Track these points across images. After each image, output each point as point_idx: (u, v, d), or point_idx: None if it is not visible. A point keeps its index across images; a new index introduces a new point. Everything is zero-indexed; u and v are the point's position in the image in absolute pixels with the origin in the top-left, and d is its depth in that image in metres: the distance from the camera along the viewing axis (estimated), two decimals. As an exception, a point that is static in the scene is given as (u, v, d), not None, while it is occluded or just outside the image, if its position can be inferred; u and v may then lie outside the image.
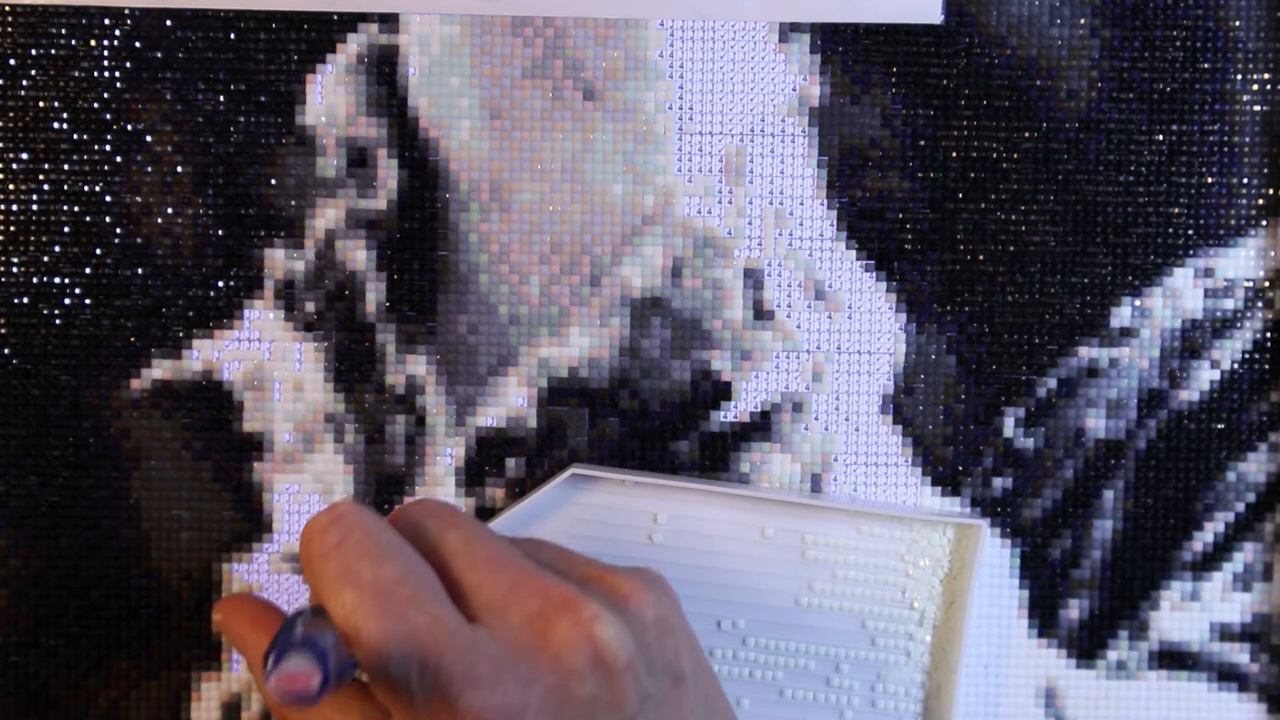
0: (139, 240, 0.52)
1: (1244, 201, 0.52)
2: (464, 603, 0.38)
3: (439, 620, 0.36)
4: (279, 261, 0.52)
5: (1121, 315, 0.53)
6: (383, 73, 0.52)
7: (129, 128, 0.52)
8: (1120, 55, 0.52)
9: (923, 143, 0.52)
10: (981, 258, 0.52)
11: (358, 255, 0.52)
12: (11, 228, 0.52)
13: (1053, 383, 0.53)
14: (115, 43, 0.52)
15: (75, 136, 0.52)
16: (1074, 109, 0.52)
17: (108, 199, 0.52)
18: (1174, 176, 0.52)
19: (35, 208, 0.52)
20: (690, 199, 0.52)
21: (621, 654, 0.37)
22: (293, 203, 0.52)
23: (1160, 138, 0.52)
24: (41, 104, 0.52)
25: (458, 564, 0.38)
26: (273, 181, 0.52)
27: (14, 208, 0.52)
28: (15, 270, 0.52)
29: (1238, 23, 0.52)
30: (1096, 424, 0.53)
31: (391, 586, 0.37)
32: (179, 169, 0.52)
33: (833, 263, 0.53)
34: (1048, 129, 0.52)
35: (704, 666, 0.42)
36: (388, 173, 0.52)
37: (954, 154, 0.52)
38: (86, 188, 0.52)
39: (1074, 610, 0.53)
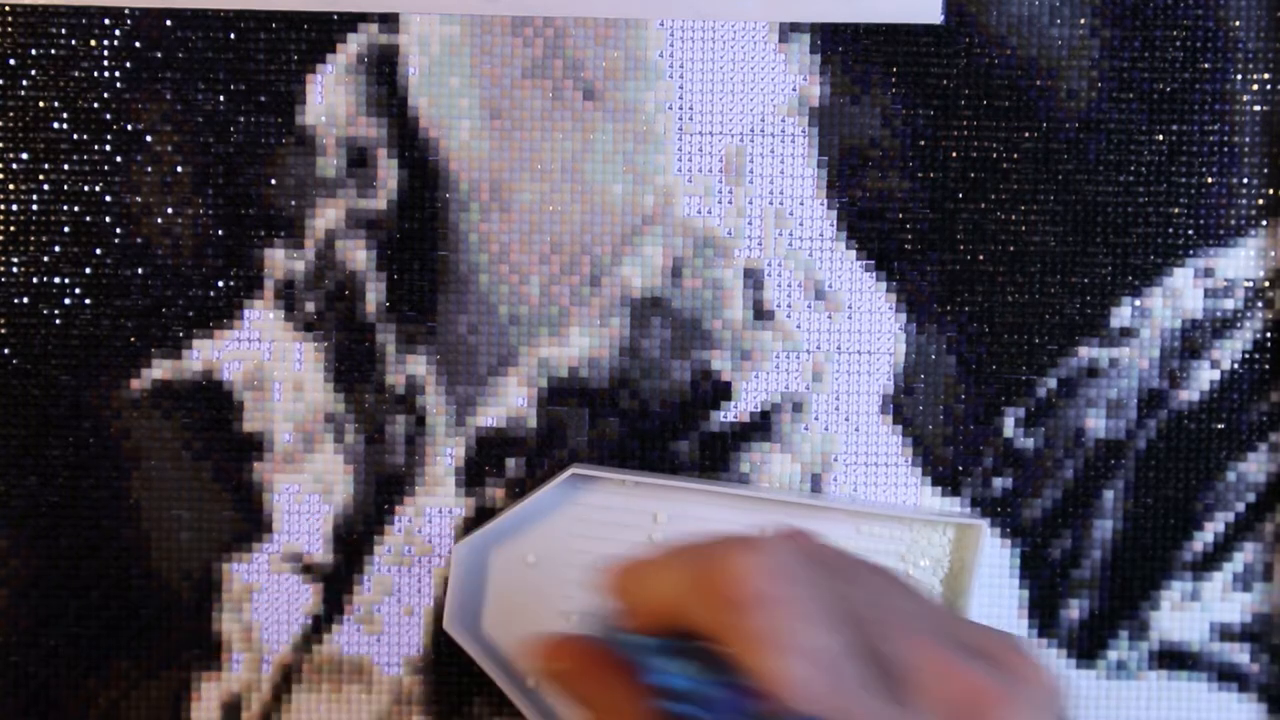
0: (139, 240, 0.52)
1: (1244, 201, 0.52)
2: (884, 675, 0.35)
3: (875, 707, 0.34)
4: (279, 261, 0.52)
5: (1121, 315, 0.53)
6: (383, 73, 0.52)
7: (129, 128, 0.52)
8: (1120, 55, 0.52)
9: (923, 143, 0.52)
10: (981, 258, 0.52)
11: (358, 255, 0.52)
12: (11, 228, 0.52)
13: (1053, 383, 0.53)
14: (115, 43, 0.52)
15: (75, 136, 0.52)
16: (1074, 109, 0.52)
17: (108, 199, 0.52)
18: (1174, 176, 0.52)
19: (35, 208, 0.52)
20: (690, 199, 0.52)
21: None
22: (293, 203, 0.52)
23: (1160, 138, 0.52)
24: (41, 104, 0.52)
25: (880, 632, 0.36)
26: (273, 181, 0.52)
27: (14, 208, 0.52)
28: (15, 270, 0.52)
29: (1238, 23, 0.52)
30: (1096, 424, 0.53)
31: (834, 659, 0.34)
32: (179, 169, 0.52)
33: (833, 263, 0.53)
34: (1048, 129, 0.52)
35: None
36: (388, 173, 0.52)
37: (954, 154, 0.52)
38: (86, 188, 0.52)
39: (1074, 610, 0.53)
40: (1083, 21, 0.52)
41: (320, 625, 0.53)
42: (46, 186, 0.52)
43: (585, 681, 0.37)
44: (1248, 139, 0.52)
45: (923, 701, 0.35)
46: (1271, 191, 0.52)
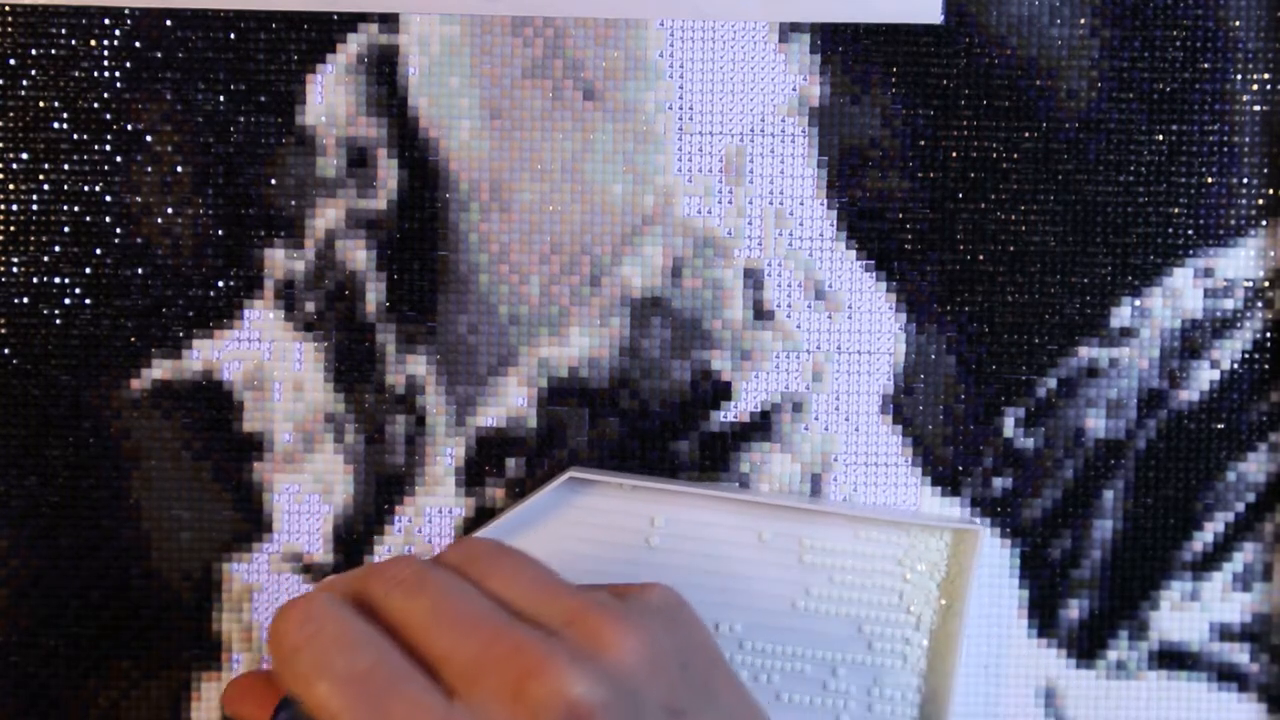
0: (139, 240, 0.52)
1: (1244, 201, 0.52)
2: (439, 675, 0.38)
3: (415, 703, 0.36)
4: (279, 261, 0.52)
5: (1121, 315, 0.53)
6: (383, 73, 0.52)
7: (129, 128, 0.52)
8: (1120, 55, 0.52)
9: (923, 143, 0.52)
10: (981, 258, 0.52)
11: (358, 255, 0.52)
12: (11, 228, 0.52)
13: (1053, 383, 0.53)
14: (115, 43, 0.52)
15: (75, 136, 0.52)
16: (1074, 109, 0.52)
17: (108, 199, 0.52)
18: (1174, 176, 0.52)
19: (35, 208, 0.52)
20: (690, 199, 0.52)
21: (598, 710, 0.36)
22: (293, 203, 0.52)
23: (1160, 138, 0.52)
24: (41, 104, 0.52)
25: (428, 635, 0.38)
26: (273, 181, 0.52)
27: (14, 208, 0.52)
28: (15, 270, 0.52)
29: (1238, 23, 0.52)
30: (1096, 424, 0.53)
31: (365, 675, 0.37)
32: (179, 169, 0.52)
33: (833, 263, 0.53)
34: (1048, 129, 0.52)
35: (721, 687, 0.41)
36: (388, 173, 0.52)
37: (954, 154, 0.52)
38: (86, 188, 0.52)
39: (1074, 610, 0.53)
40: (1083, 21, 0.52)
41: (320, 625, 0.53)
42: (46, 186, 0.52)
43: (238, 714, 0.45)
44: (1248, 139, 0.52)
45: (476, 687, 0.37)
46: (1271, 191, 0.52)
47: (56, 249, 0.52)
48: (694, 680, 0.40)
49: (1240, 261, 0.53)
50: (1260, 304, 0.53)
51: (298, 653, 0.37)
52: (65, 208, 0.52)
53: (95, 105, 0.52)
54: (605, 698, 0.37)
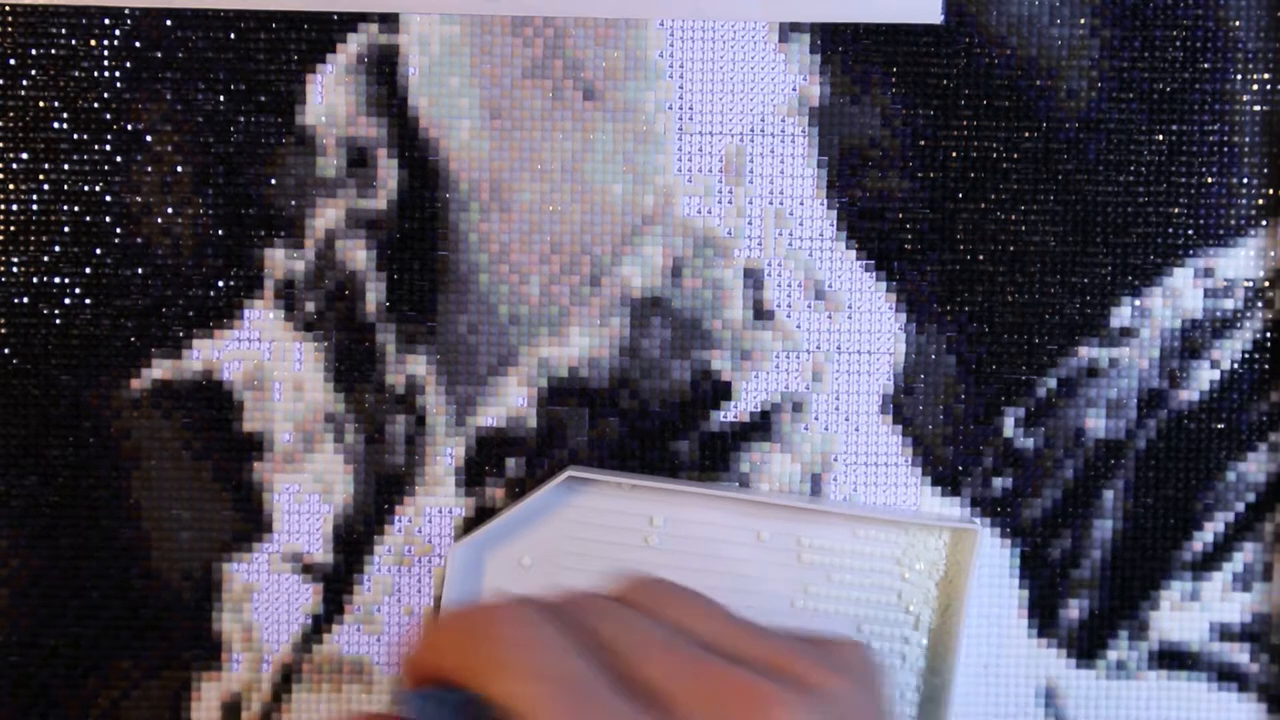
0: (139, 240, 0.52)
1: (1244, 201, 0.52)
2: (640, 694, 0.37)
3: (616, 714, 0.36)
4: (279, 261, 0.52)
5: (1121, 315, 0.53)
6: (383, 73, 0.52)
7: (129, 128, 0.52)
8: (1120, 55, 0.52)
9: (923, 143, 0.52)
10: (981, 258, 0.52)
11: (358, 255, 0.52)
12: (11, 228, 0.52)
13: (1053, 383, 0.53)
14: (115, 43, 0.52)
15: (75, 136, 0.52)
16: (1074, 109, 0.52)
17: (108, 199, 0.52)
18: (1174, 176, 0.52)
19: (35, 208, 0.52)
20: (690, 199, 0.52)
21: None
22: (293, 203, 0.52)
23: (1160, 138, 0.52)
24: (41, 104, 0.52)
25: (634, 657, 0.38)
26: (273, 181, 0.52)
27: (14, 208, 0.52)
28: (15, 270, 0.52)
29: (1238, 23, 0.52)
30: (1096, 424, 0.53)
31: (575, 681, 0.36)
32: (179, 169, 0.52)
33: (833, 263, 0.53)
34: (1048, 129, 0.52)
35: None
36: (388, 173, 0.52)
37: (954, 154, 0.52)
38: (86, 188, 0.52)
39: (1074, 610, 0.53)
40: (1083, 21, 0.52)
41: (320, 625, 0.53)
42: (46, 186, 0.52)
43: None
44: (1248, 139, 0.52)
45: (675, 707, 0.36)
46: (1271, 191, 0.52)
47: (56, 249, 0.52)
48: None
49: (1240, 261, 0.53)
50: (1260, 304, 0.53)
51: (506, 646, 0.37)
52: (65, 208, 0.52)
53: (95, 105, 0.52)
54: None
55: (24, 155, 0.52)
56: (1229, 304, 0.53)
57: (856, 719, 0.38)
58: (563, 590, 0.40)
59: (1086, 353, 0.53)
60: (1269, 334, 0.53)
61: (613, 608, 0.39)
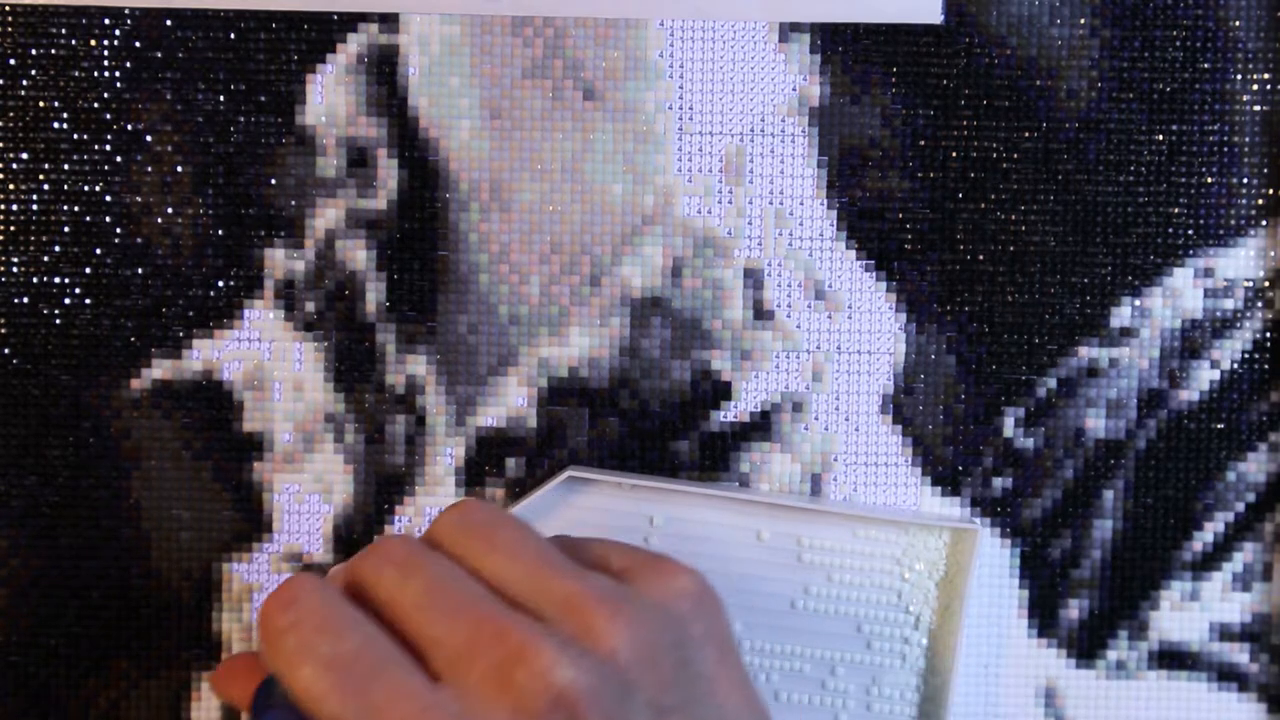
0: (139, 240, 0.52)
1: (1244, 201, 0.52)
2: (427, 659, 0.37)
3: (399, 687, 0.36)
4: (279, 261, 0.52)
5: (1121, 315, 0.53)
6: (383, 73, 0.52)
7: (129, 128, 0.52)
8: (1120, 55, 0.52)
9: (923, 143, 0.52)
10: (981, 258, 0.52)
11: (358, 255, 0.52)
12: (11, 228, 0.52)
13: (1053, 383, 0.53)
14: (115, 43, 0.52)
15: (75, 136, 0.52)
16: (1074, 109, 0.52)
17: (108, 199, 0.52)
18: (1174, 176, 0.52)
19: (35, 208, 0.52)
20: (690, 199, 0.52)
21: (583, 698, 0.36)
22: (293, 203, 0.52)
23: (1160, 138, 0.52)
24: (41, 104, 0.52)
25: (417, 620, 0.38)
26: (273, 181, 0.52)
27: (14, 208, 0.52)
28: (15, 270, 0.52)
29: (1238, 23, 0.52)
30: (1096, 424, 0.53)
31: (350, 659, 0.37)
32: (179, 169, 0.52)
33: (833, 263, 0.53)
34: (1048, 129, 0.52)
35: (722, 688, 0.40)
36: (388, 173, 0.52)
37: (954, 154, 0.52)
38: (86, 188, 0.52)
39: (1074, 610, 0.53)
40: (1083, 21, 0.52)
41: (320, 625, 0.53)
42: (46, 186, 0.52)
43: (226, 695, 0.47)
44: (1248, 139, 0.52)
45: (462, 672, 0.37)
46: (1271, 191, 0.52)
47: (56, 249, 0.52)
48: (691, 678, 0.39)
49: (1240, 261, 0.53)
50: (1260, 304, 0.53)
51: (283, 635, 0.37)
52: (65, 208, 0.52)
53: (95, 105, 0.52)
54: (591, 686, 0.36)
55: (24, 155, 0.52)
56: (1229, 304, 0.53)
57: (644, 669, 0.38)
58: (367, 546, 0.41)
59: (1086, 353, 0.53)
60: (1269, 334, 0.53)
61: (400, 557, 0.39)
